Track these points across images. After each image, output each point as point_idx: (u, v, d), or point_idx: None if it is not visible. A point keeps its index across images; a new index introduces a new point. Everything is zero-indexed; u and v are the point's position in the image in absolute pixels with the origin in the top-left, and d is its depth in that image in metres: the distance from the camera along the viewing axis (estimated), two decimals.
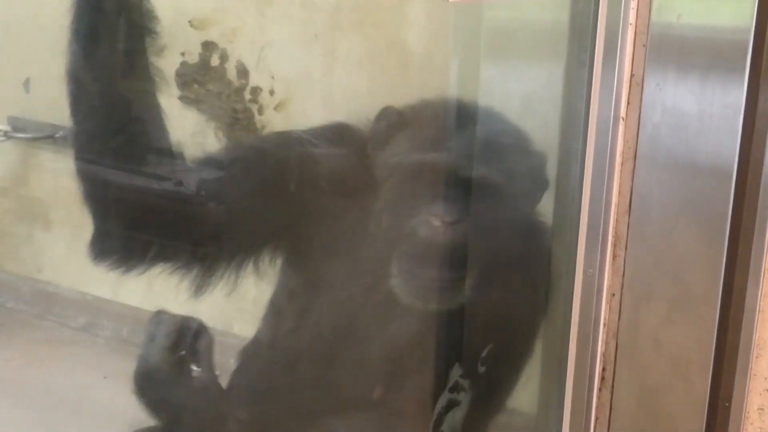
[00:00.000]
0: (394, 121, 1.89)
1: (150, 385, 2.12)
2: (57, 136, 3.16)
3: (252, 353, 2.13)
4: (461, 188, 1.79)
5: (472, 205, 1.80)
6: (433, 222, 1.78)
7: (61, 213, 3.32)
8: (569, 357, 1.51)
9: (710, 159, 1.34)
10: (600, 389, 1.50)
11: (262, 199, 1.95)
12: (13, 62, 3.16)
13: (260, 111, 2.83)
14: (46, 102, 3.09)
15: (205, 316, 3.07)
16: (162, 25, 1.93)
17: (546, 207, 1.79)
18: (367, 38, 2.64)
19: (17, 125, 3.21)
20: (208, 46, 2.85)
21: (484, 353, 1.87)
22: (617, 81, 1.39)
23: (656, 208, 1.39)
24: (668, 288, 1.40)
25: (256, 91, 2.84)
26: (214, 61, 2.86)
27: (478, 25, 1.81)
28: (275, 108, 2.82)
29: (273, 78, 2.82)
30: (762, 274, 1.34)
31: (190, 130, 2.79)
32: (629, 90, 1.39)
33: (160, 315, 2.17)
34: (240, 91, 2.85)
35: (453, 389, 1.88)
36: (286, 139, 2.05)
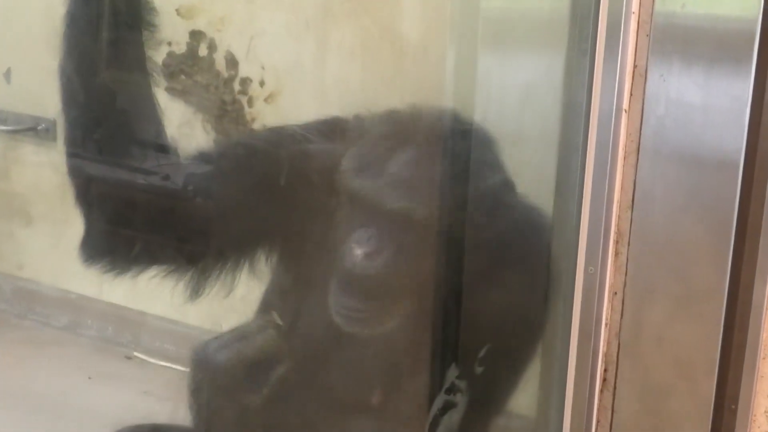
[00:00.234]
0: (340, 136, 1.90)
1: None
2: (39, 128, 3.16)
3: None
4: (387, 218, 1.80)
5: (395, 236, 1.80)
6: (355, 250, 1.80)
7: (42, 208, 3.31)
8: (569, 358, 1.51)
9: (716, 152, 1.34)
10: (601, 391, 1.50)
11: (256, 197, 1.95)
12: None
13: (250, 103, 2.83)
14: (27, 93, 3.08)
15: (193, 315, 3.08)
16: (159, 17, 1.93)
17: (546, 202, 1.79)
18: (360, 27, 2.63)
19: None
20: (196, 36, 2.85)
21: (481, 353, 1.87)
22: (620, 72, 1.39)
23: (660, 203, 1.39)
24: (672, 286, 1.40)
25: (245, 82, 2.83)
26: (202, 51, 2.85)
27: (476, 13, 1.81)
28: (265, 100, 2.81)
29: (263, 68, 2.81)
30: None
31: (176, 123, 2.79)
32: (632, 81, 1.39)
33: None
34: (229, 82, 2.85)
35: (449, 391, 1.88)
36: (279, 134, 2.05)
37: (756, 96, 1.31)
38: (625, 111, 1.40)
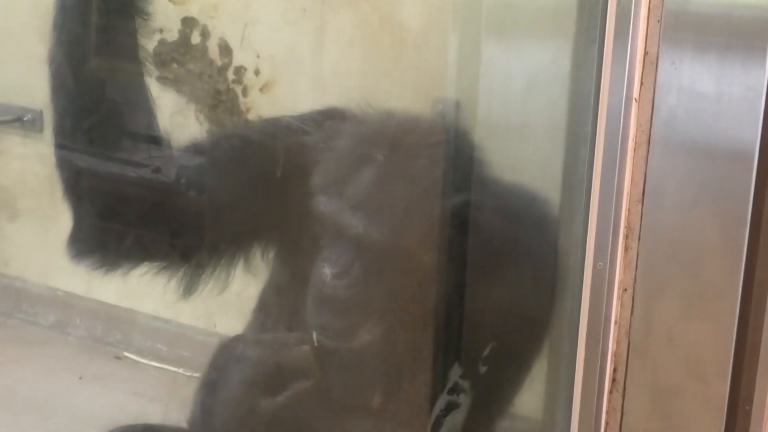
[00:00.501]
0: (334, 129, 1.90)
1: None
2: (25, 119, 3.16)
3: None
4: (355, 243, 1.81)
5: (365, 254, 1.82)
6: (323, 269, 1.81)
7: (29, 202, 3.31)
8: (578, 357, 1.51)
9: (730, 143, 1.34)
10: (611, 391, 1.50)
11: (251, 190, 1.95)
12: None
13: (245, 92, 2.83)
14: (13, 83, 3.08)
15: (186, 313, 3.09)
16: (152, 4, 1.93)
17: (553, 196, 1.79)
18: (359, 13, 2.63)
19: None
20: (188, 23, 2.84)
21: (485, 352, 1.87)
22: (629, 60, 1.39)
23: (671, 196, 1.39)
24: (684, 282, 1.40)
25: (240, 70, 2.83)
26: (195, 38, 2.85)
27: None
28: (261, 89, 2.82)
29: (258, 57, 2.81)
30: None
31: (168, 113, 2.79)
32: (642, 69, 1.39)
33: None
34: (223, 70, 2.85)
35: (452, 391, 1.88)
36: (274, 125, 2.05)
37: None
38: (635, 100, 1.40)
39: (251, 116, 2.84)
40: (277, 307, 2.04)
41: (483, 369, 1.88)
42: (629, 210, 1.43)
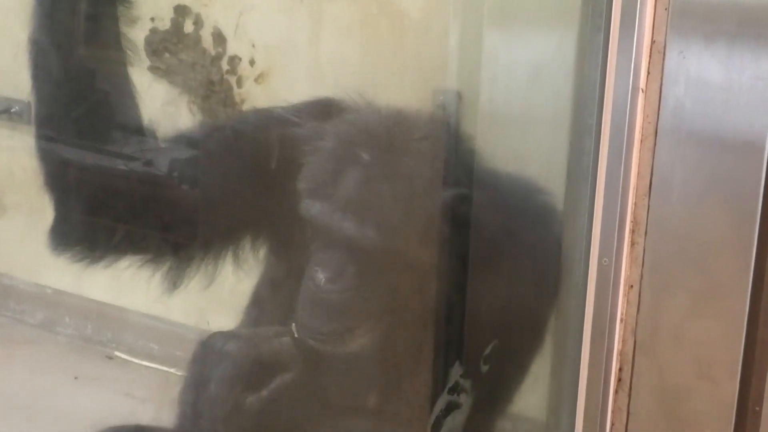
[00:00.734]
0: (322, 126, 1.90)
1: None
2: (12, 111, 3.16)
3: None
4: (347, 246, 1.82)
5: (355, 265, 1.82)
6: (317, 273, 1.82)
7: (16, 197, 3.31)
8: (582, 356, 1.51)
9: (739, 135, 1.34)
10: (616, 391, 1.50)
11: (240, 181, 1.96)
12: None
13: (239, 83, 2.83)
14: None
15: (178, 311, 3.09)
16: None
17: (557, 189, 1.79)
18: (357, 1, 2.63)
19: None
20: (181, 11, 2.84)
21: (487, 350, 1.87)
22: (636, 48, 1.39)
23: (679, 190, 1.39)
24: (692, 279, 1.40)
25: (234, 60, 2.83)
26: (188, 27, 2.85)
27: None
28: (256, 80, 2.81)
29: (253, 46, 2.81)
30: None
31: (160, 105, 2.79)
32: (649, 58, 1.39)
33: None
34: (216, 60, 2.85)
35: (452, 390, 1.89)
36: (265, 116, 2.05)
37: None
38: (642, 90, 1.40)
39: (246, 108, 2.84)
40: (273, 303, 2.04)
41: (485, 368, 1.88)
42: (636, 204, 1.44)
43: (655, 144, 1.40)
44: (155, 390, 2.94)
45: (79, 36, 1.90)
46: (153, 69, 2.84)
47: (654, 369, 1.46)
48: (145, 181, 1.94)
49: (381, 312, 1.85)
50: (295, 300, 1.90)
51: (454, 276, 1.85)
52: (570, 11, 1.64)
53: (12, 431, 2.83)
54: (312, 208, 1.82)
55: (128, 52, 1.94)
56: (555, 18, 1.73)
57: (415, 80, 2.50)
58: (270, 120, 1.99)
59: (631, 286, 1.46)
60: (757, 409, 1.41)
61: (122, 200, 1.97)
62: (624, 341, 1.48)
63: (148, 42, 2.83)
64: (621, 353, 1.49)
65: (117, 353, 3.26)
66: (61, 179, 1.94)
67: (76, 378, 3.08)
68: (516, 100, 1.87)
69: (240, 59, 2.82)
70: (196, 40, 2.84)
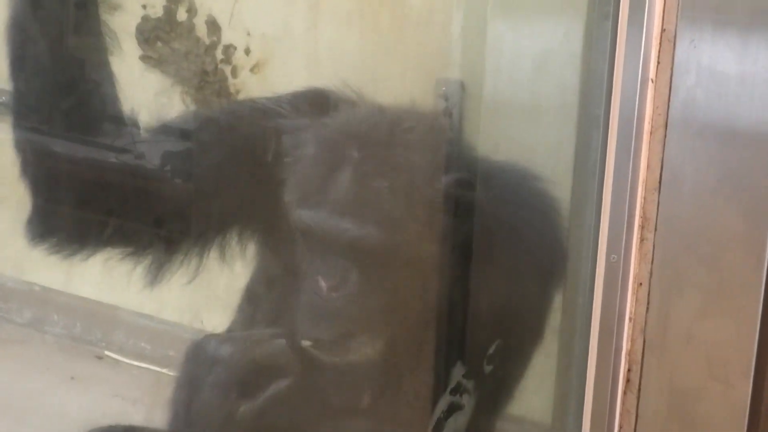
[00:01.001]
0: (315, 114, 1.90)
1: None
2: (0, 101, 3.15)
3: None
4: (348, 250, 1.81)
5: (358, 270, 1.82)
6: (318, 282, 1.82)
7: (3, 190, 3.31)
8: (590, 356, 1.51)
9: (753, 127, 1.34)
10: (625, 393, 1.50)
11: (228, 173, 1.96)
12: None
13: (234, 73, 2.83)
14: None
15: (170, 310, 3.09)
16: None
17: (563, 183, 1.80)
18: None
19: None
20: None
21: (491, 350, 1.87)
22: (645, 37, 1.39)
23: (690, 184, 1.39)
24: (704, 276, 1.40)
25: (229, 50, 2.83)
26: (181, 15, 2.85)
27: None
28: (251, 69, 2.81)
29: (249, 35, 2.81)
30: None
31: (152, 95, 2.79)
32: (659, 47, 1.39)
33: None
34: (211, 49, 2.85)
35: (455, 391, 1.89)
36: (252, 107, 2.05)
37: None
38: (652, 81, 1.40)
39: (241, 98, 2.84)
40: (268, 300, 2.04)
41: (488, 368, 1.89)
42: (645, 198, 1.44)
43: (665, 136, 1.40)
44: (146, 391, 2.94)
45: (59, 23, 1.90)
46: (145, 58, 2.84)
47: (664, 369, 1.46)
48: (124, 171, 1.94)
49: (386, 314, 1.85)
50: (290, 297, 1.90)
51: (455, 272, 1.85)
52: None
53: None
54: (305, 217, 1.82)
55: (108, 39, 1.94)
56: (561, 5, 1.74)
57: (416, 70, 2.50)
58: (255, 111, 1.99)
59: (640, 284, 1.46)
60: None
61: (100, 191, 1.97)
62: (633, 341, 1.48)
63: (140, 30, 2.83)
64: (629, 353, 1.49)
65: (107, 353, 3.26)
66: (37, 169, 1.95)
67: (64, 379, 3.08)
68: (521, 91, 1.87)
69: (235, 48, 2.82)
70: (190, 28, 2.84)
